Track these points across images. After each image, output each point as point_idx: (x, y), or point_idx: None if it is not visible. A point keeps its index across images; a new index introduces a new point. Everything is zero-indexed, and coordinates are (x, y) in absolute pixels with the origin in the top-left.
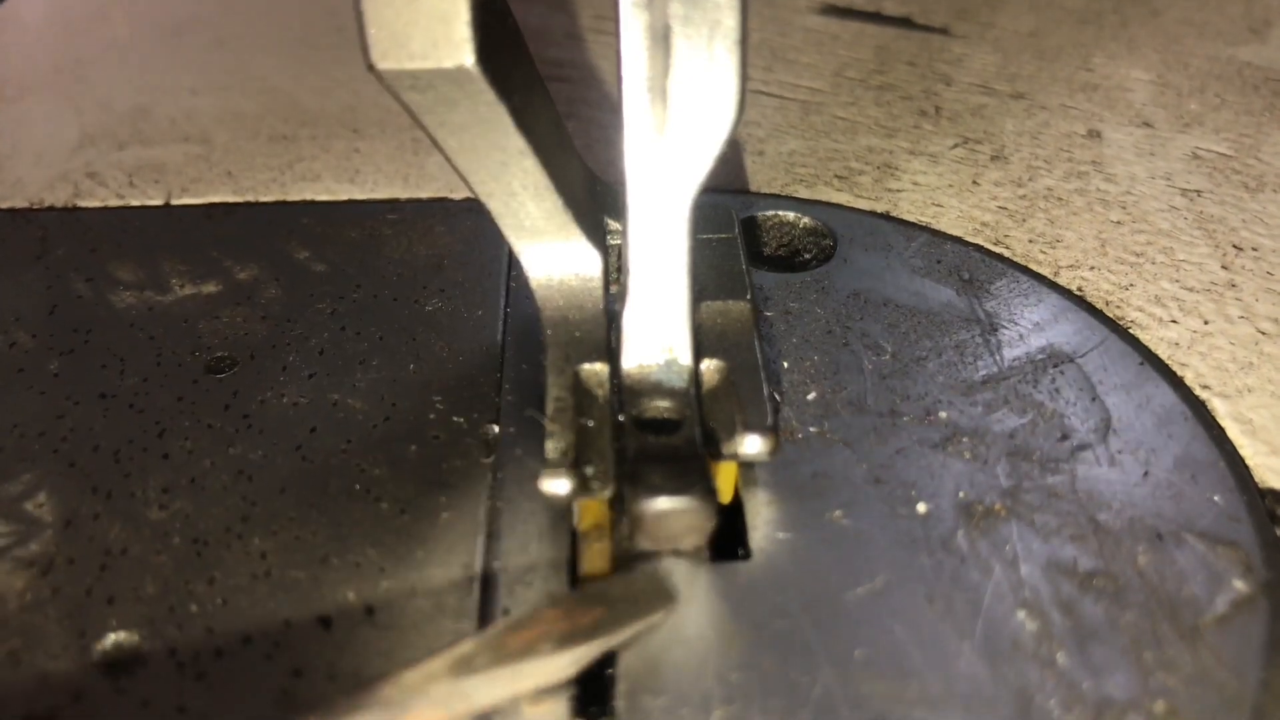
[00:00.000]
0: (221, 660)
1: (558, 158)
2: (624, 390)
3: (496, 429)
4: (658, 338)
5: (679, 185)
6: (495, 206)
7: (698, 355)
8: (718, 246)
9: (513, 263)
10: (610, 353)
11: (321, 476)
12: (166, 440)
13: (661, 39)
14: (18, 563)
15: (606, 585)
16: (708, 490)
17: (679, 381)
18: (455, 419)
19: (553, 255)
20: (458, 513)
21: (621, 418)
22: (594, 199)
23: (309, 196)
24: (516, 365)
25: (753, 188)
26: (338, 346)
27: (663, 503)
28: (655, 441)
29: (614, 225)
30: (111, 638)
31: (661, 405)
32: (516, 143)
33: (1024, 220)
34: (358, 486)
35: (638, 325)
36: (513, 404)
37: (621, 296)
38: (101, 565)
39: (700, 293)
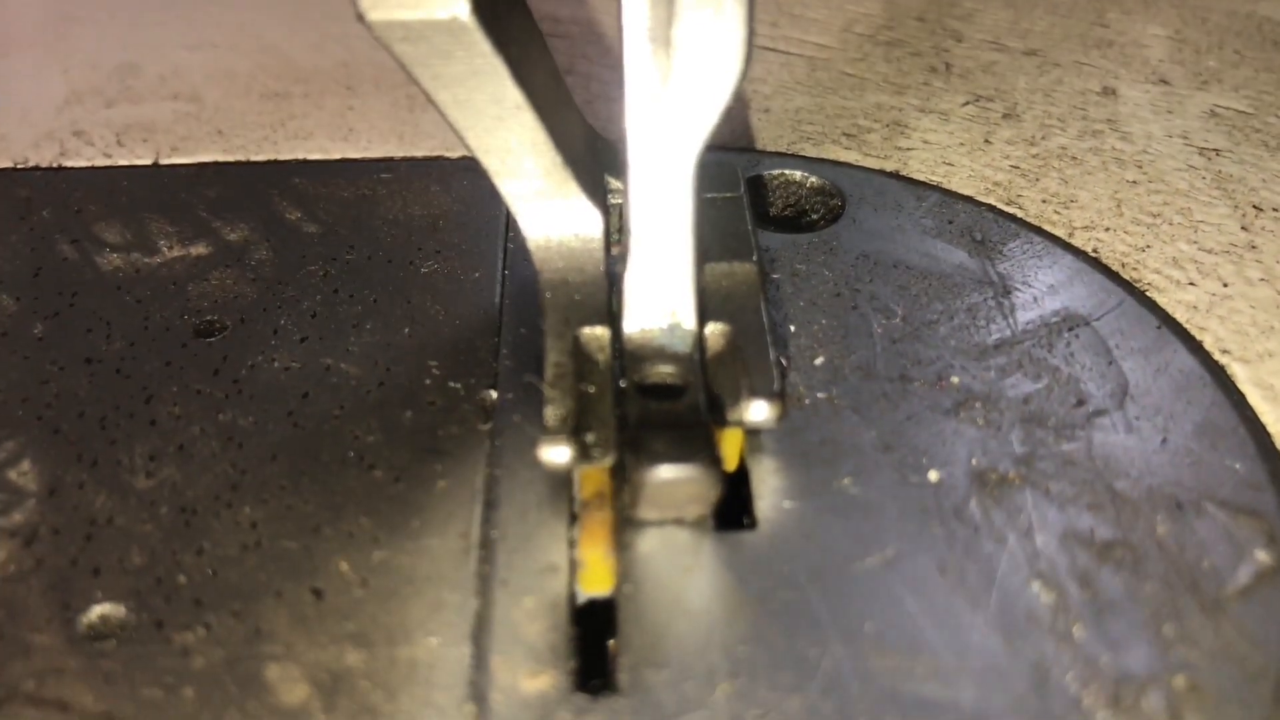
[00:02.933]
0: (210, 633)
1: (556, 112)
2: (626, 355)
3: (494, 394)
4: (661, 301)
5: (683, 141)
6: (491, 163)
7: (702, 319)
8: (722, 206)
9: (511, 223)
10: (611, 316)
11: (314, 443)
12: (154, 406)
13: None
14: (0, 532)
15: None
16: (712, 458)
17: (682, 346)
18: (452, 384)
19: (551, 215)
20: (454, 480)
21: (623, 383)
22: (594, 156)
23: (301, 155)
24: (515, 329)
25: (758, 146)
26: (330, 310)
27: (665, 471)
28: (658, 408)
29: (615, 184)
30: (97, 610)
31: (664, 370)
32: (513, 96)
33: (1037, 180)
34: (351, 454)
35: (640, 288)
36: (511, 369)
37: (623, 258)
38: (86, 535)
39: (704, 254)
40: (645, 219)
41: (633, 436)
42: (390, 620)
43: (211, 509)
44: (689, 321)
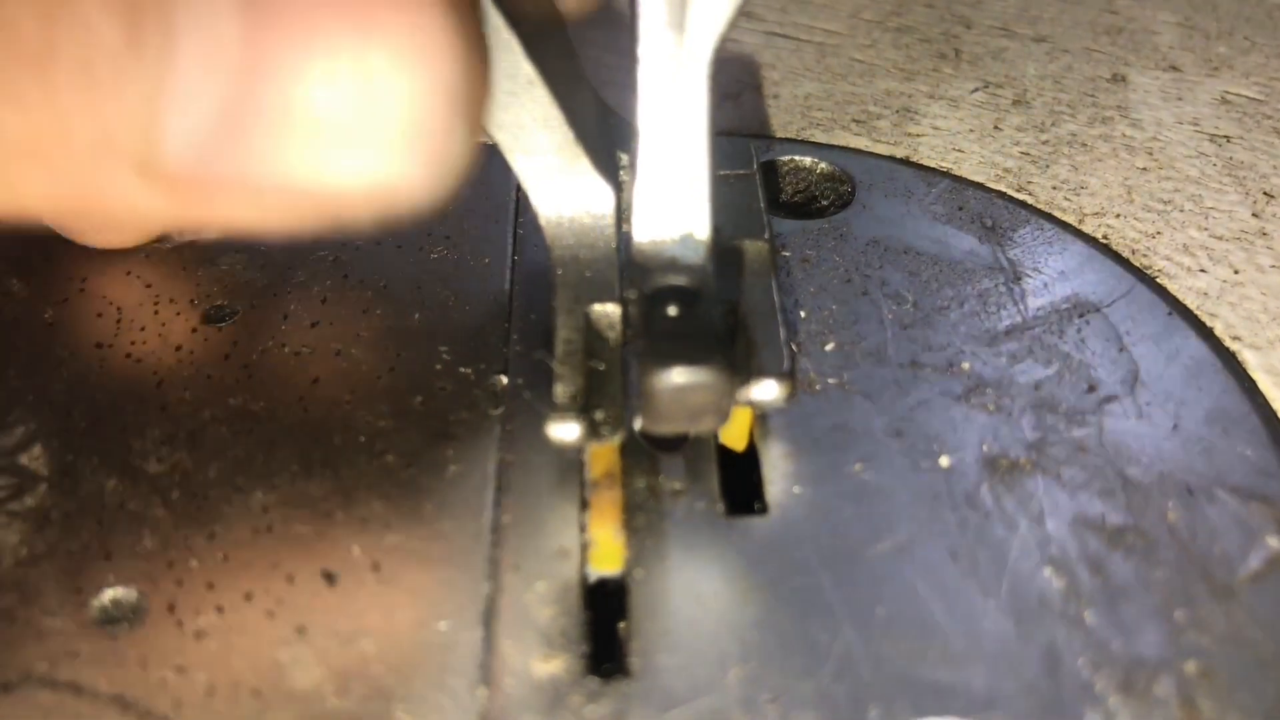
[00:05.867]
0: (222, 617)
1: (570, 88)
2: (634, 267)
3: (505, 380)
4: (673, 210)
5: (698, 29)
6: (503, 139)
7: (716, 231)
8: (735, 184)
9: (521, 209)
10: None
11: (325, 428)
12: (164, 391)
13: None
14: (13, 517)
15: None
16: (727, 363)
17: (695, 256)
18: (462, 370)
19: (563, 191)
20: (466, 465)
21: (631, 295)
22: (607, 132)
23: None
24: (525, 315)
25: (768, 132)
26: (340, 295)
27: (679, 375)
28: (670, 317)
29: (627, 160)
30: (109, 593)
31: (676, 279)
32: (526, 71)
33: (1047, 166)
34: (362, 439)
35: (651, 196)
36: (521, 354)
37: (631, 164)
38: (98, 519)
39: (715, 232)
40: (656, 121)
41: (644, 345)
42: (402, 604)
43: (223, 493)
44: (702, 231)
